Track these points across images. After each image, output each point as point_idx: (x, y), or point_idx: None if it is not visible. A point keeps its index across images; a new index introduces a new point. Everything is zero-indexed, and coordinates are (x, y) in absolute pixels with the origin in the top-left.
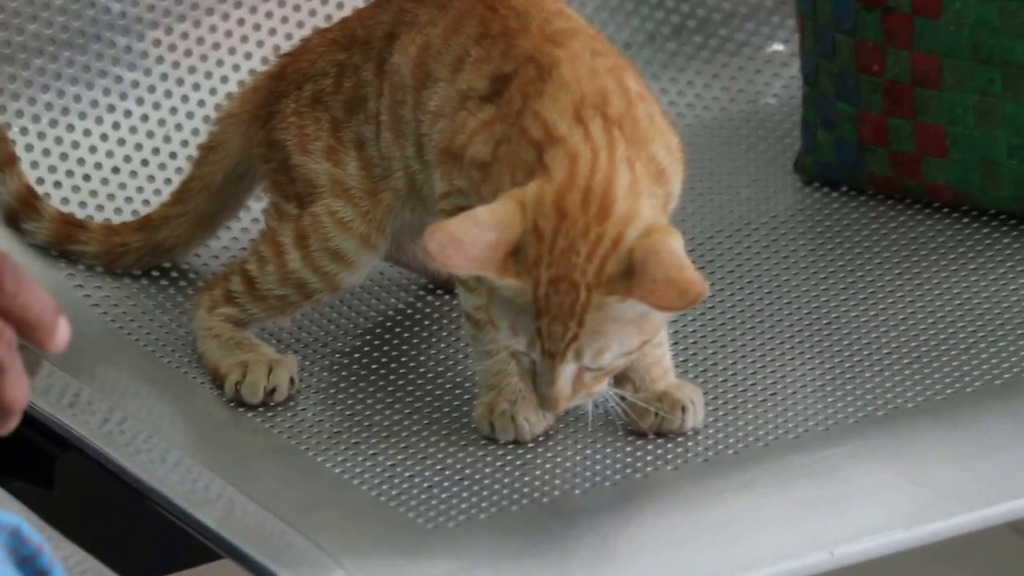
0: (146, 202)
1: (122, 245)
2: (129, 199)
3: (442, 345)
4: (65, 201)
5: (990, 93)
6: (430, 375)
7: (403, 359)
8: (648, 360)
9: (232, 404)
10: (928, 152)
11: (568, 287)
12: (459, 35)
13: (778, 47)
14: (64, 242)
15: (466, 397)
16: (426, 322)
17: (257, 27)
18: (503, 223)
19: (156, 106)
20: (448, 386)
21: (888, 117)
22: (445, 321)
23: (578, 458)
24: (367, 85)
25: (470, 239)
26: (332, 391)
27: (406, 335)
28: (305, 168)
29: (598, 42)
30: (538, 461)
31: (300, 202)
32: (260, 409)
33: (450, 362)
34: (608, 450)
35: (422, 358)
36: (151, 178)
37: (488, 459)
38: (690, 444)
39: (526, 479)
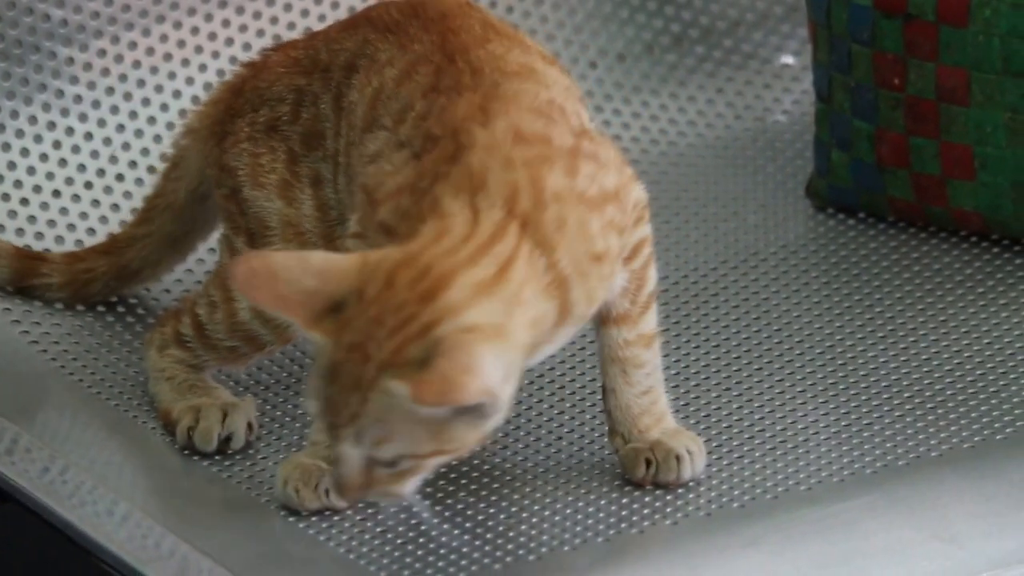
0: (91, 230)
1: (87, 272)
2: (71, 227)
3: None
4: (0, 229)
5: (1023, 110)
6: None
7: None
8: (634, 411)
9: (185, 452)
10: (954, 175)
11: (361, 358)
12: (410, 82)
13: (788, 59)
14: (24, 278)
15: None
16: None
17: (213, 36)
18: (331, 274)
19: (101, 123)
20: None
21: (910, 136)
22: None
23: (568, 511)
24: (325, 120)
25: (287, 278)
26: (295, 437)
27: None
28: (257, 204)
29: (551, 111)
30: (523, 514)
31: (251, 238)
32: (216, 457)
33: None
34: (601, 502)
35: None
36: (96, 203)
37: (468, 512)
38: (691, 496)
39: (510, 534)
